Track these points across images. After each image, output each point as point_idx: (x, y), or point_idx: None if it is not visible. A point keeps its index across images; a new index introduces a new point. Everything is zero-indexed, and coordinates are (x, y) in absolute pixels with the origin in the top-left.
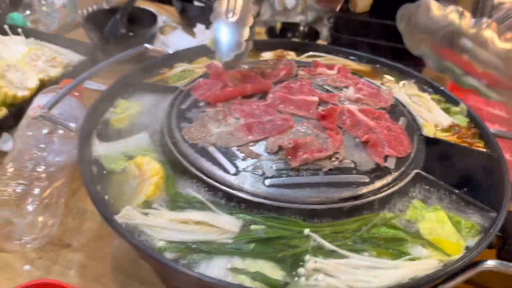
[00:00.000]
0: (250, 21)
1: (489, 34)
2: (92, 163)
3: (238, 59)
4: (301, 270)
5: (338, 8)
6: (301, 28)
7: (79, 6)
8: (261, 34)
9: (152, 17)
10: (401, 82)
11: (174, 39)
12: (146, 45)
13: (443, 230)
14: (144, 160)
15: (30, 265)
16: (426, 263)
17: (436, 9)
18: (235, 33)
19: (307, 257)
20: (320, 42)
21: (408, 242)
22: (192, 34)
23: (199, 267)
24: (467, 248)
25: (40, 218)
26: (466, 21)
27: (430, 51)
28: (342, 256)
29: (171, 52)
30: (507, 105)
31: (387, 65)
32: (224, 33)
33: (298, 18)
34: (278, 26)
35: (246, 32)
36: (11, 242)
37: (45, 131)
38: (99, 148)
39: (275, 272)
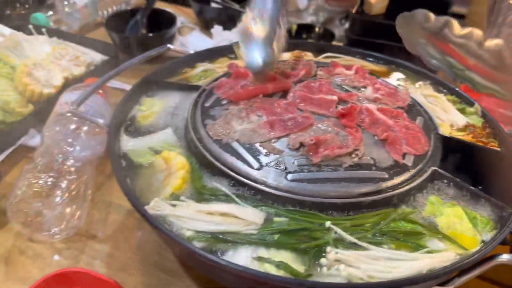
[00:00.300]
0: (281, 32)
1: (478, 36)
2: (121, 157)
3: (267, 68)
4: (323, 261)
5: (354, 10)
6: (316, 29)
7: (100, 7)
8: None
9: (171, 18)
10: (417, 83)
11: (192, 40)
12: (169, 45)
13: (460, 225)
14: (171, 155)
15: (59, 255)
16: (443, 256)
17: (431, 16)
18: (264, 48)
19: (329, 248)
20: (335, 43)
21: (426, 236)
22: (209, 35)
23: (226, 256)
24: (483, 242)
25: (68, 210)
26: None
27: (426, 46)
28: (362, 248)
29: (192, 52)
30: None
31: (403, 66)
32: (252, 48)
33: (310, 19)
34: (294, 27)
35: (275, 45)
36: (41, 233)
37: (72, 126)
38: (127, 143)
39: (297, 262)
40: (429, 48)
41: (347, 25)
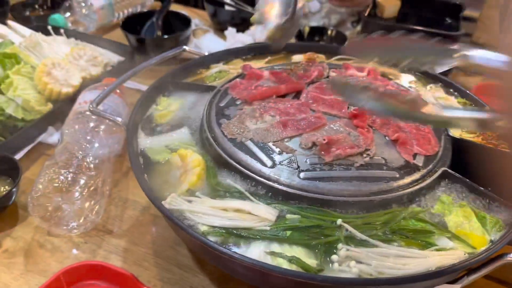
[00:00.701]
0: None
1: None
2: (139, 155)
3: (285, 33)
4: (334, 257)
5: (367, 13)
6: (329, 32)
7: (116, 8)
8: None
9: (186, 21)
10: (428, 85)
11: (206, 42)
12: (184, 47)
13: (469, 224)
14: (187, 152)
15: (77, 249)
16: (452, 254)
17: None
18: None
19: (340, 245)
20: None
21: (435, 234)
22: (223, 37)
23: (239, 250)
24: (491, 241)
25: (87, 205)
26: None
27: None
28: (373, 246)
29: (207, 54)
30: None
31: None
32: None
33: (321, 22)
34: (306, 30)
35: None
36: (59, 227)
37: (91, 125)
38: (145, 141)
39: (309, 258)
40: None
41: (358, 27)
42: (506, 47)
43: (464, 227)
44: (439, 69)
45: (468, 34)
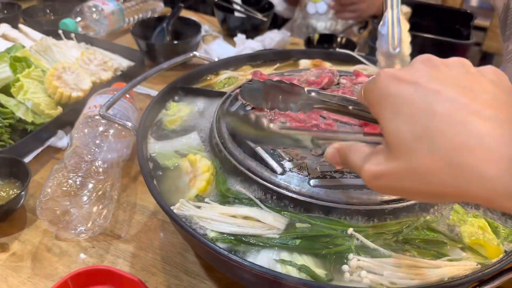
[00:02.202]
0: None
1: None
2: (148, 160)
3: None
4: (345, 267)
5: (377, 21)
6: (338, 39)
7: (127, 14)
8: (300, 45)
9: (196, 27)
10: None
11: (216, 48)
12: (194, 52)
13: (484, 235)
14: (196, 158)
15: (84, 253)
16: (465, 264)
17: None
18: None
19: (351, 255)
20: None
21: (447, 244)
22: (233, 43)
23: (248, 257)
24: (505, 252)
25: (95, 209)
26: None
27: None
28: (384, 255)
29: (216, 60)
30: None
31: None
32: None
33: (329, 23)
34: (316, 37)
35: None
36: (67, 231)
37: (100, 129)
38: (154, 146)
39: (319, 267)
40: None
41: (365, 33)
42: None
43: (478, 238)
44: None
45: (478, 44)
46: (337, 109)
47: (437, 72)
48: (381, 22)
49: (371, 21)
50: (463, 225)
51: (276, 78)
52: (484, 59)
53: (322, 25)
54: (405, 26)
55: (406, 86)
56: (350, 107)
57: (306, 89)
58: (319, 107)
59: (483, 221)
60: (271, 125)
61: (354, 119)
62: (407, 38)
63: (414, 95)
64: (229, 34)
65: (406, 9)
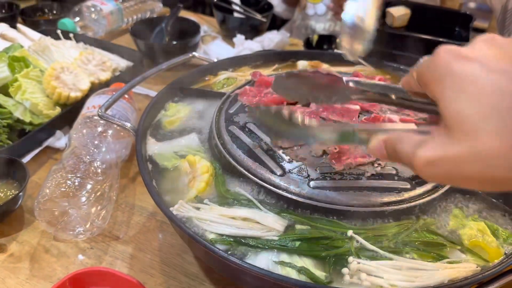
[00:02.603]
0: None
1: None
2: (147, 160)
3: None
4: (345, 270)
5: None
6: (337, 40)
7: (125, 14)
8: (299, 45)
9: (195, 27)
10: None
11: (214, 48)
12: (194, 53)
13: (483, 238)
14: (196, 158)
15: (83, 254)
16: (465, 267)
17: None
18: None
19: (351, 258)
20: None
21: (447, 247)
22: (232, 44)
23: (248, 259)
24: (505, 254)
25: (93, 210)
26: None
27: None
28: (384, 258)
29: (215, 60)
30: None
31: None
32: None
33: (328, 24)
34: (315, 38)
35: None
36: (66, 232)
37: (99, 129)
38: (153, 147)
39: (318, 269)
40: None
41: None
42: None
43: (478, 240)
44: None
45: None
46: (378, 99)
47: (501, 51)
48: None
49: None
50: (461, 229)
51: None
52: None
53: (321, 26)
54: (374, 2)
55: (470, 64)
56: (393, 96)
57: (344, 79)
58: (358, 98)
59: (482, 224)
60: (308, 121)
61: (354, 121)
62: (373, 13)
63: (480, 74)
64: (228, 35)
65: (405, 10)
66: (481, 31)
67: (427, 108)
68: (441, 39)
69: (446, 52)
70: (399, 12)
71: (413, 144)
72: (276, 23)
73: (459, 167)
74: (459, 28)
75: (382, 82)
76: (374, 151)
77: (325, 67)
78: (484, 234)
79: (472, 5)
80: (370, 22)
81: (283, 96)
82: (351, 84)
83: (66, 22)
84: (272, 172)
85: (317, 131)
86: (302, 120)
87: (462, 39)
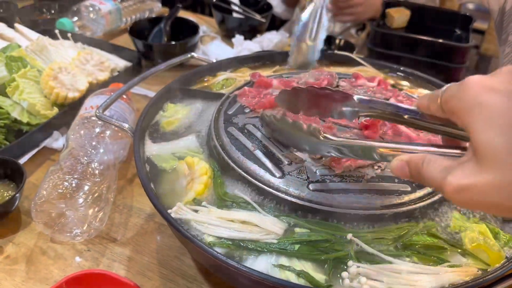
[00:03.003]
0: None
1: None
2: (145, 162)
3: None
4: (344, 274)
5: (376, 23)
6: (337, 40)
7: (124, 14)
8: None
9: (194, 27)
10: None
11: (213, 49)
12: (193, 53)
13: (485, 241)
14: (194, 160)
15: (80, 257)
16: (466, 271)
17: None
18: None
19: (350, 262)
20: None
21: (448, 250)
22: (231, 44)
23: (246, 262)
24: (506, 258)
25: (91, 212)
26: None
27: None
28: (384, 261)
29: (214, 61)
30: None
31: (424, 79)
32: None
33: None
34: None
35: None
36: (63, 234)
37: (97, 130)
38: (151, 148)
39: (318, 273)
40: None
41: (363, 35)
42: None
43: (479, 243)
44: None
45: (476, 46)
46: (390, 118)
47: None
48: (304, 12)
49: (369, 23)
50: (464, 231)
51: (319, 85)
52: (481, 61)
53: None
54: (324, 23)
55: (499, 96)
56: (406, 116)
57: (355, 97)
58: (367, 115)
59: (484, 227)
60: (328, 135)
61: (354, 123)
62: (323, 34)
63: (508, 106)
64: (227, 35)
65: (405, 11)
66: (479, 32)
67: (440, 130)
68: (440, 40)
69: (475, 82)
70: (399, 13)
71: (441, 169)
72: (275, 23)
73: (487, 196)
74: (458, 29)
75: (395, 103)
76: (396, 171)
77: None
78: (486, 237)
79: (470, 6)
80: (317, 42)
81: (284, 108)
82: (361, 102)
83: (64, 21)
84: (272, 174)
85: (337, 145)
86: (323, 135)
87: (462, 40)
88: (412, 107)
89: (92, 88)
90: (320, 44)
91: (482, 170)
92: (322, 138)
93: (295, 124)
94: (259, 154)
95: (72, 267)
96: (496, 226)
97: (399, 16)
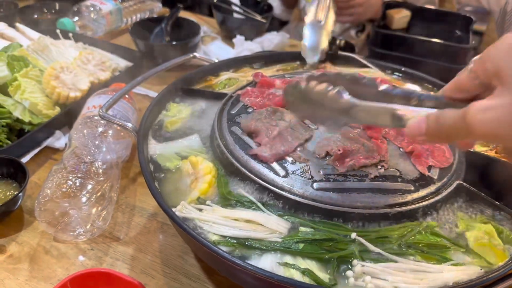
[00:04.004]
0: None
1: None
2: (149, 162)
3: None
4: (349, 273)
5: (377, 24)
6: (337, 41)
7: (125, 14)
8: (298, 46)
9: (195, 28)
10: None
11: (214, 49)
12: (194, 53)
13: (489, 241)
14: (198, 159)
15: (83, 256)
16: (469, 269)
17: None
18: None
19: (355, 261)
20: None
21: (451, 249)
22: (231, 44)
23: (251, 260)
24: (510, 256)
25: (94, 211)
26: None
27: None
28: (388, 260)
29: (217, 61)
30: None
31: (425, 79)
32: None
33: None
34: None
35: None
36: (66, 233)
37: (100, 130)
38: (155, 148)
39: (322, 271)
40: None
41: (363, 36)
42: None
43: (484, 242)
44: None
45: (474, 48)
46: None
47: None
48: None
49: (371, 25)
50: (470, 230)
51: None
52: None
53: None
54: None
55: None
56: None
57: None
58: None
59: (490, 227)
60: (350, 98)
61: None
62: (331, 16)
63: None
64: (228, 36)
65: (405, 12)
66: (478, 33)
67: None
68: (441, 41)
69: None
70: (399, 14)
71: (459, 111)
72: (273, 24)
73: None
74: (458, 31)
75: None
76: (413, 128)
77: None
78: (491, 237)
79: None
80: (329, 24)
81: (292, 110)
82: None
83: (65, 21)
84: (276, 173)
85: (357, 109)
86: (347, 99)
87: (462, 41)
88: (437, 94)
89: (94, 88)
90: (330, 25)
91: (508, 92)
92: (345, 103)
93: (319, 93)
94: None
95: (75, 266)
96: (501, 225)
97: (400, 17)
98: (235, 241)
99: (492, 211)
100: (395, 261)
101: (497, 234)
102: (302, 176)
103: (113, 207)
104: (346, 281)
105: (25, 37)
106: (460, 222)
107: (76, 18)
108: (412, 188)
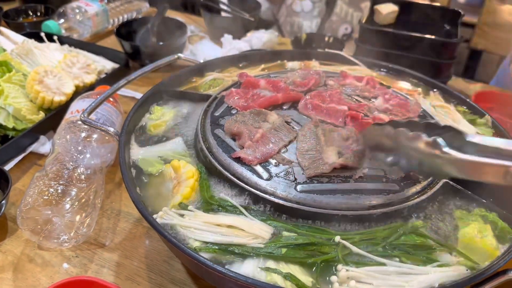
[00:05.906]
0: None
1: None
2: (131, 166)
3: None
4: (333, 278)
5: (364, 20)
6: (326, 38)
7: (111, 15)
8: (287, 44)
9: (181, 27)
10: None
11: (202, 48)
12: (179, 54)
13: (482, 239)
14: (180, 163)
15: (68, 263)
16: (455, 270)
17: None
18: None
19: (339, 266)
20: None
21: (437, 250)
22: (219, 43)
23: (233, 266)
24: (497, 257)
25: (78, 218)
26: None
27: None
28: (373, 263)
29: (202, 61)
30: None
31: (412, 75)
32: None
33: (314, 21)
34: (304, 37)
35: None
36: (50, 240)
37: (83, 134)
38: (138, 152)
39: (305, 276)
40: None
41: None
42: None
43: (475, 239)
44: None
45: (466, 40)
46: None
47: None
48: None
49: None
50: (463, 228)
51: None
52: (472, 55)
53: (308, 23)
54: None
55: None
56: None
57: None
58: None
59: (487, 227)
60: (449, 150)
61: (340, 122)
62: None
63: None
64: (215, 35)
65: (393, 8)
66: (470, 26)
67: None
68: (429, 36)
69: None
70: (387, 10)
71: None
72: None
73: None
74: (447, 25)
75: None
76: None
77: (316, 64)
78: (484, 235)
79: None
80: None
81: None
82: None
83: (50, 24)
84: (259, 176)
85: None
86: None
87: (451, 35)
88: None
89: (79, 91)
90: None
91: None
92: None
93: (415, 138)
94: None
95: (60, 274)
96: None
97: (388, 13)
98: (217, 247)
99: (480, 208)
100: (380, 263)
101: (493, 226)
102: (285, 179)
103: (97, 213)
104: (330, 287)
105: (9, 41)
106: (447, 221)
107: (62, 21)
108: (397, 188)
